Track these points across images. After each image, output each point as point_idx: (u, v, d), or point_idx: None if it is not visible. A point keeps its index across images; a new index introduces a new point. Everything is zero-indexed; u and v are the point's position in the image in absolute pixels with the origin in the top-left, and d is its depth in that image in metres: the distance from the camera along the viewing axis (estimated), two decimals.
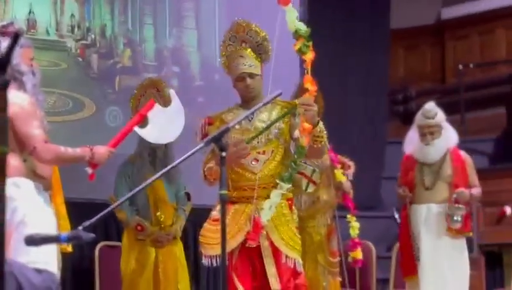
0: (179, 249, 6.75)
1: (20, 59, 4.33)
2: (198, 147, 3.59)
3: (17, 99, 4.23)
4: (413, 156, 6.84)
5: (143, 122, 4.87)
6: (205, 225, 5.11)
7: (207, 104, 7.84)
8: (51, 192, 4.55)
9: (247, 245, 5.12)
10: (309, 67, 5.16)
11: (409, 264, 6.75)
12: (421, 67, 11.67)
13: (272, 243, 4.96)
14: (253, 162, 5.03)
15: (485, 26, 11.17)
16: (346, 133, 9.18)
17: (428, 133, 6.66)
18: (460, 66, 10.32)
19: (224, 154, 3.50)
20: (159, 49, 8.18)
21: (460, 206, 6.58)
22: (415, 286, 6.70)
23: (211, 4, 8.57)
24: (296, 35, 5.09)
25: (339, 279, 6.86)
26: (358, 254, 6.97)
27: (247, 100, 5.03)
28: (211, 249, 5.01)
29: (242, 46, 5.15)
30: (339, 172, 6.70)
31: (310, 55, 5.14)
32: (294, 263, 4.98)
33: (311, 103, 4.97)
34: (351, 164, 7.00)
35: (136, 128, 4.79)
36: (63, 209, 5.42)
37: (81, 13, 7.79)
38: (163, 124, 5.09)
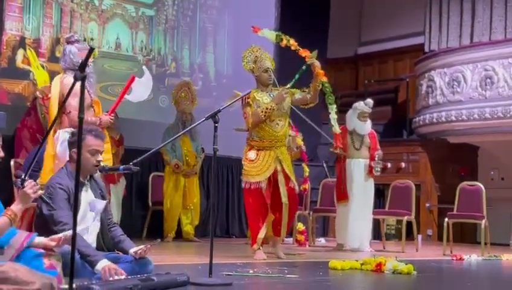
0: (196, 179, 8.08)
1: (78, 57, 4.80)
2: (204, 119, 4.00)
3: (68, 81, 4.65)
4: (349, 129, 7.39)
5: (129, 91, 5.03)
6: (245, 163, 5.84)
7: (218, 96, 8.96)
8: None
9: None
10: (297, 47, 5.83)
11: (344, 194, 7.55)
12: (344, 81, 12.84)
13: (284, 173, 5.79)
14: (276, 125, 5.84)
15: (383, 58, 12.47)
16: (302, 117, 8.54)
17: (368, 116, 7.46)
18: (366, 81, 11.81)
19: (216, 125, 3.82)
20: (191, 63, 9.49)
21: (379, 161, 7.54)
22: (343, 208, 7.53)
23: (222, 37, 9.91)
24: (278, 38, 6.02)
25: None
26: (307, 186, 8.38)
27: (267, 85, 5.89)
28: (251, 177, 5.79)
29: (264, 56, 5.86)
30: (299, 139, 7.91)
31: (292, 41, 5.90)
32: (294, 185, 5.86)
33: (316, 62, 5.74)
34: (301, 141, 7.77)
35: (126, 96, 5.00)
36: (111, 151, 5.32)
37: (147, 40, 9.05)
38: (140, 90, 5.24)
